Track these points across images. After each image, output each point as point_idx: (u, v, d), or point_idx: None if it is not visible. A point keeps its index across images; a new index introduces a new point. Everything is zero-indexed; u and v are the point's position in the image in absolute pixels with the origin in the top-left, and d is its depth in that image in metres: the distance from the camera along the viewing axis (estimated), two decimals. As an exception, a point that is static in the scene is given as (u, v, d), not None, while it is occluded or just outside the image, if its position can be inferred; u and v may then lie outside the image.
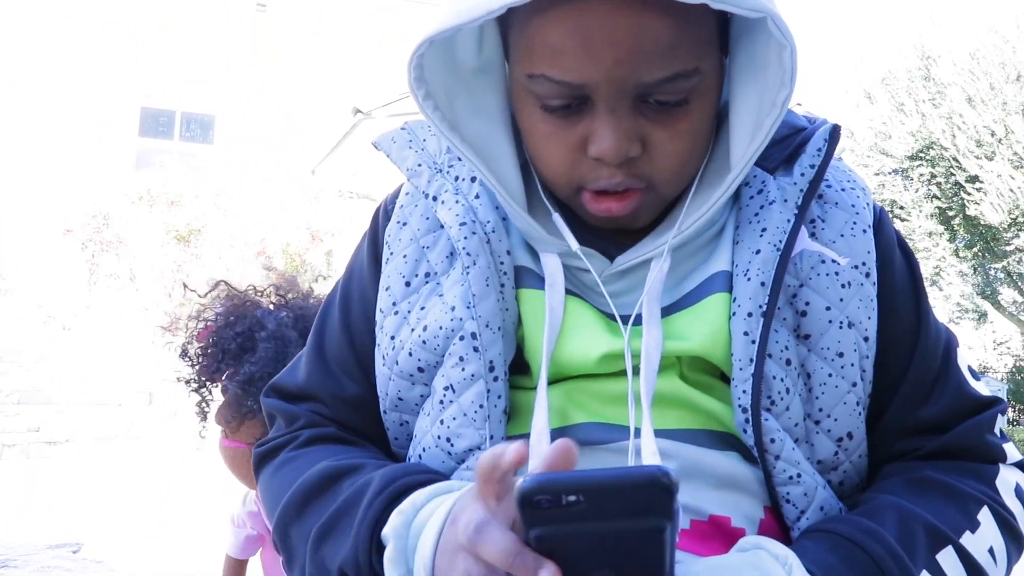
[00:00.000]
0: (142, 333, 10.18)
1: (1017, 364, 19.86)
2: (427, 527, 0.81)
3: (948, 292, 17.24)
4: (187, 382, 1.93)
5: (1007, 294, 17.82)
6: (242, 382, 1.80)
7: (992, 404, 1.01)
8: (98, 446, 9.52)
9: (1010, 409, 17.94)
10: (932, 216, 16.63)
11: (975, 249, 16.88)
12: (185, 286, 2.06)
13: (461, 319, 0.95)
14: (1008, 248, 15.77)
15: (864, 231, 0.98)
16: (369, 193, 11.03)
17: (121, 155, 13.98)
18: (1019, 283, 17.16)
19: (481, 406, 0.93)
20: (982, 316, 17.66)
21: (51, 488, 7.81)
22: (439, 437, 0.96)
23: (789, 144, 1.01)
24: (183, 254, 11.91)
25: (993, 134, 15.23)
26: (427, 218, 1.03)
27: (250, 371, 1.80)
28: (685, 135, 0.90)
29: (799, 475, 0.91)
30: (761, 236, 0.94)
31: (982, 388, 1.03)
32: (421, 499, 0.85)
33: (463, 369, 0.94)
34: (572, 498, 0.63)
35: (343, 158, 11.51)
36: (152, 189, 12.41)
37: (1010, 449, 1.01)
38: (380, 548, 0.86)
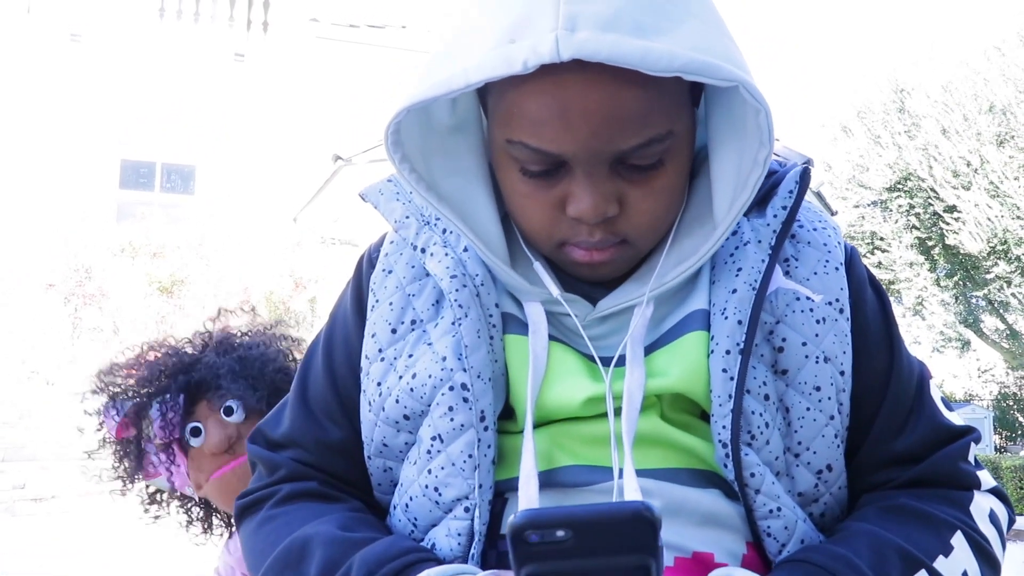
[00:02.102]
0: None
1: (1002, 391, 19.95)
2: None
3: (931, 321, 17.35)
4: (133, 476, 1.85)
5: (989, 322, 17.93)
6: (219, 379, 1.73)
7: (965, 433, 1.04)
8: (84, 502, 9.42)
9: (996, 436, 17.99)
10: (912, 246, 16.77)
11: (956, 278, 17.00)
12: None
13: (452, 370, 0.96)
14: (988, 276, 15.90)
15: (836, 268, 1.01)
16: (351, 239, 11.05)
17: (102, 207, 13.96)
18: (1001, 311, 17.27)
19: (471, 455, 0.95)
20: (965, 344, 17.75)
21: (38, 546, 7.72)
22: (427, 487, 0.97)
23: (761, 187, 1.04)
24: (166, 305, 11.87)
25: (969, 164, 15.41)
26: (412, 266, 1.05)
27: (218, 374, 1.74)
28: (660, 193, 0.92)
29: (779, 508, 0.93)
30: (737, 276, 0.97)
31: (955, 418, 1.05)
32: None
33: (452, 419, 0.96)
34: (560, 533, 0.65)
35: (324, 205, 11.53)
36: (134, 241, 12.39)
37: (984, 476, 1.04)
38: None
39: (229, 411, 1.75)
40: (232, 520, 1.90)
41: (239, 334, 1.89)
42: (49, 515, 9.25)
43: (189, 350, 1.86)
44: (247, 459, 1.70)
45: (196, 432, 1.77)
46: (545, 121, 0.86)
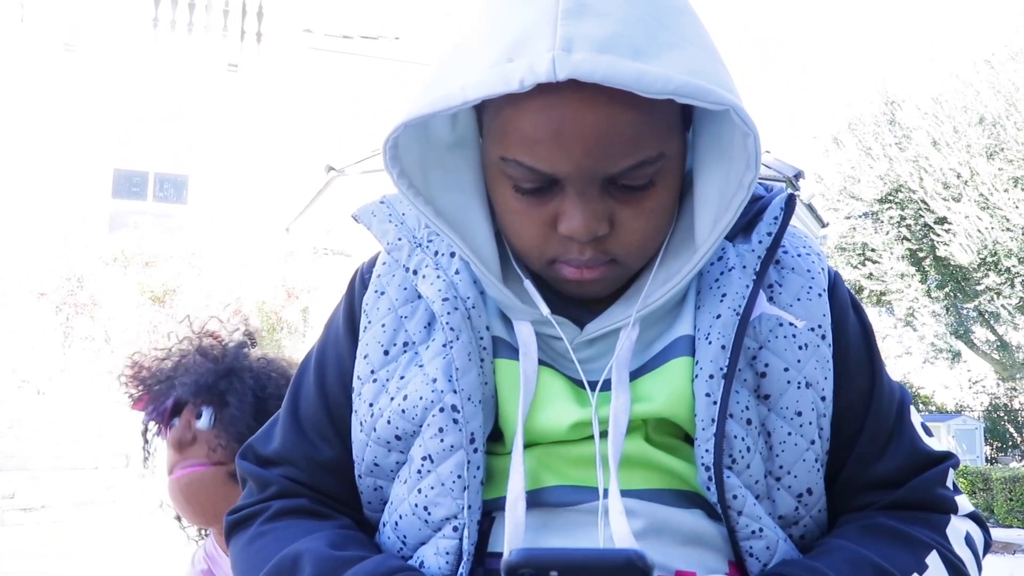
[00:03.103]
0: (118, 395, 10.05)
1: (992, 402, 19.99)
2: None
3: (922, 332, 17.38)
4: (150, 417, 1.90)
5: (980, 333, 17.97)
6: (205, 387, 1.80)
7: (944, 459, 1.05)
8: (75, 511, 9.39)
9: (987, 447, 18.01)
10: (903, 258, 16.80)
11: (947, 289, 17.04)
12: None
13: (442, 392, 0.97)
14: (979, 288, 15.94)
15: (819, 295, 1.03)
16: (344, 250, 11.03)
17: (94, 217, 13.93)
18: (991, 322, 17.32)
19: (460, 476, 0.96)
20: (956, 355, 17.79)
21: (28, 557, 7.69)
22: (416, 505, 0.99)
23: (747, 212, 1.06)
24: (158, 315, 11.83)
25: (959, 176, 15.46)
26: (405, 288, 1.06)
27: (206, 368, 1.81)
28: (651, 214, 0.94)
29: (761, 530, 0.95)
30: (721, 301, 0.98)
31: (934, 444, 1.07)
32: None
33: (442, 440, 0.97)
34: (553, 574, 0.66)
35: (317, 215, 11.52)
36: (126, 250, 12.36)
37: (962, 501, 1.05)
38: None
39: (199, 415, 1.81)
40: (199, 531, 1.95)
41: (248, 352, 1.94)
42: (38, 524, 9.21)
43: (211, 344, 1.92)
44: (192, 475, 1.77)
45: (172, 425, 1.84)
46: (539, 140, 0.87)
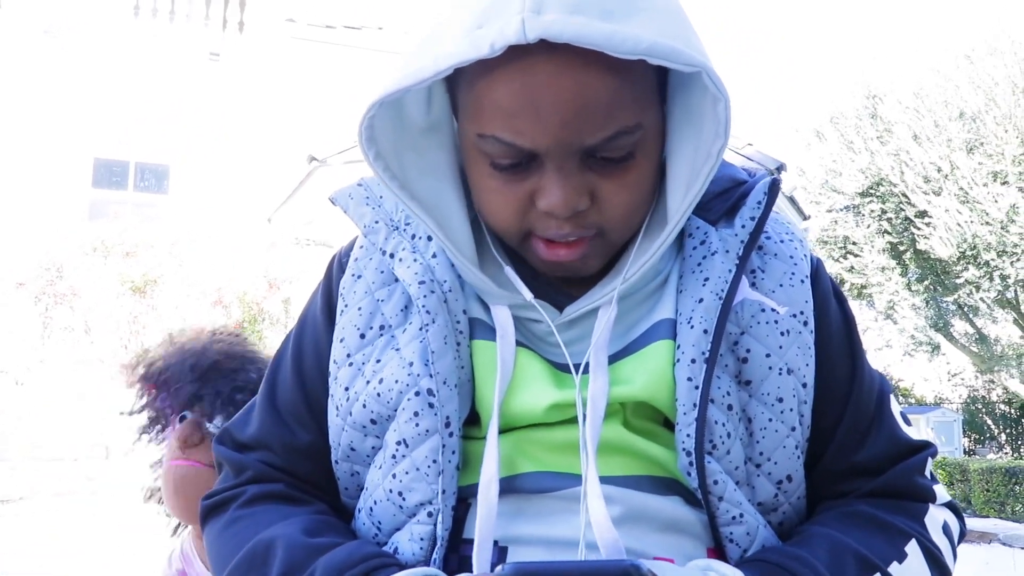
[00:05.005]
0: (98, 386, 10.02)
1: (971, 395, 20.13)
2: None
3: (902, 325, 17.46)
4: (154, 412, 1.93)
5: (959, 326, 18.07)
6: (228, 395, 1.82)
7: (922, 448, 1.06)
8: (54, 503, 9.34)
9: (965, 439, 18.14)
10: (884, 251, 16.87)
11: (926, 283, 17.12)
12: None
13: (418, 375, 0.96)
14: (958, 281, 16.02)
15: (802, 281, 1.03)
16: (326, 240, 11.01)
17: (74, 206, 13.83)
18: (970, 315, 17.43)
19: (435, 461, 0.95)
20: (935, 348, 17.88)
21: (5, 548, 7.65)
22: (390, 491, 0.98)
23: (730, 197, 1.05)
24: (139, 305, 11.78)
25: (939, 170, 15.52)
26: (382, 271, 1.05)
27: (238, 385, 1.83)
28: (632, 186, 0.93)
29: (741, 515, 0.95)
30: (704, 285, 0.98)
31: (913, 433, 1.07)
32: None
33: (417, 425, 0.96)
34: None
35: (299, 206, 11.50)
36: (106, 240, 12.27)
37: (939, 490, 1.06)
38: None
39: (211, 418, 1.82)
40: (175, 529, 1.95)
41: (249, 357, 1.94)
42: (17, 516, 9.16)
43: (219, 345, 1.93)
44: (189, 469, 1.77)
45: (183, 419, 1.86)
46: (515, 112, 0.86)
